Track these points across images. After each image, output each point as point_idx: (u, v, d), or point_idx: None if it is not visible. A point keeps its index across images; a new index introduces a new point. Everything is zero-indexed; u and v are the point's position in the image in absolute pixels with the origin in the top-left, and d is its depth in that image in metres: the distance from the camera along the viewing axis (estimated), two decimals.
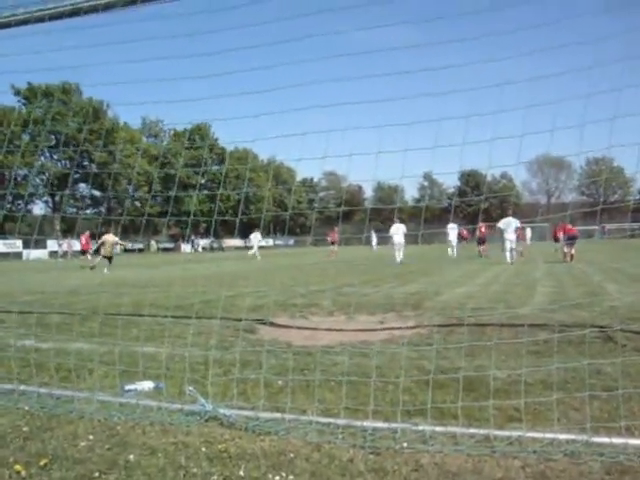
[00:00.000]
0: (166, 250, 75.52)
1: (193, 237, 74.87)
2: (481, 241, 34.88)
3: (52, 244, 61.91)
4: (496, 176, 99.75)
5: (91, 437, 4.39)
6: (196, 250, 75.32)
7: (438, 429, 4.31)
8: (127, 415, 4.83)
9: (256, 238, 44.68)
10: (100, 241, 28.59)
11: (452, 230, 36.11)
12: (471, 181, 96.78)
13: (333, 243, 43.63)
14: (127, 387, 5.62)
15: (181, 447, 4.15)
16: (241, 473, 3.70)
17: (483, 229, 34.85)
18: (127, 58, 7.29)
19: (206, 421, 4.66)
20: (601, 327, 8.32)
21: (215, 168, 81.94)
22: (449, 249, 35.54)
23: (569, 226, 28.22)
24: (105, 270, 26.40)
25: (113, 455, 4.03)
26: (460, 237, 39.59)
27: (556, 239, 37.47)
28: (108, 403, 5.18)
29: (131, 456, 3.99)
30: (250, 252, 43.80)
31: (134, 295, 13.41)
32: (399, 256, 29.81)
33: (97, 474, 3.72)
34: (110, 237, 28.34)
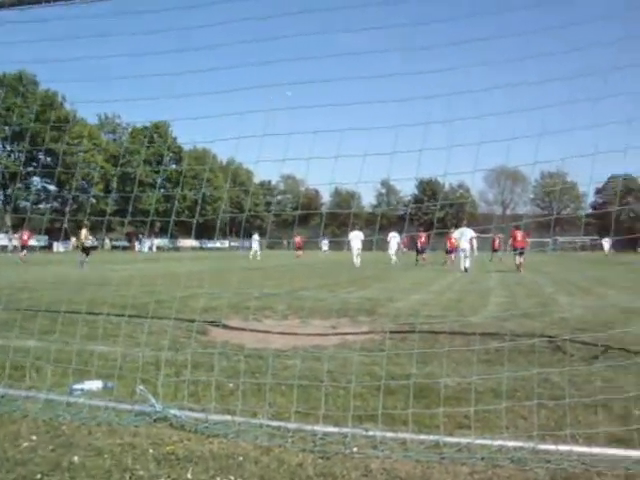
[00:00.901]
0: (121, 248, 74.55)
1: (141, 236, 73.93)
2: (421, 250, 35.66)
3: (2, 238, 60.72)
4: (454, 186, 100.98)
5: (34, 437, 4.27)
6: (150, 249, 74.55)
7: (388, 435, 4.32)
8: (73, 415, 4.73)
9: (255, 240, 49.06)
10: (83, 235, 29.71)
11: (393, 238, 36.79)
12: (428, 190, 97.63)
13: (299, 248, 48.36)
14: (75, 386, 5.49)
15: (128, 448, 4.08)
16: (189, 476, 3.65)
17: (423, 238, 35.71)
18: (87, 54, 7.18)
19: (155, 421, 4.59)
20: (550, 337, 8.45)
21: (173, 167, 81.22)
22: (391, 257, 35.98)
23: (519, 237, 28.62)
24: (81, 264, 27.53)
25: (57, 456, 3.93)
26: (401, 245, 40.56)
27: (494, 249, 39.39)
28: (54, 403, 5.05)
29: (75, 457, 3.90)
30: (251, 254, 47.23)
31: (88, 293, 13.15)
32: (357, 261, 32.57)
33: (39, 476, 3.62)
34: (84, 231, 29.67)
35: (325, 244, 57.12)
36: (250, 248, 49.09)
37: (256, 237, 49.93)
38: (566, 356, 7.36)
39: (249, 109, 5.89)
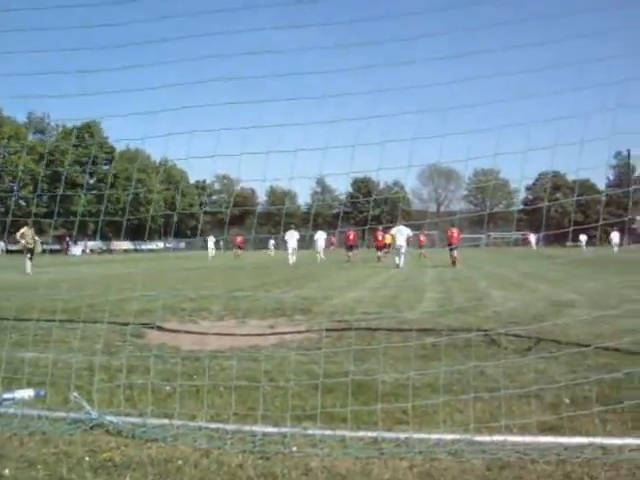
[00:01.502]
0: (52, 252, 72.40)
1: (68, 239, 71.99)
2: (350, 247, 36.50)
3: None
4: (389, 184, 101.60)
5: None
6: (84, 252, 72.90)
7: (327, 433, 4.33)
8: (4, 426, 4.57)
9: (211, 240, 53.70)
10: (19, 233, 27.74)
11: (320, 237, 37.91)
12: (363, 188, 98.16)
13: (240, 247, 49.57)
14: (4, 396, 5.30)
15: (63, 457, 3.96)
16: None
17: (352, 236, 36.77)
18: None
19: (91, 429, 4.48)
20: (485, 331, 8.62)
21: (105, 168, 79.47)
22: (317, 255, 36.56)
23: (455, 234, 29.52)
24: (28, 269, 25.92)
25: None
26: (329, 243, 41.53)
27: (420, 245, 40.71)
28: None
29: (6, 470, 3.76)
30: (212, 254, 50.55)
31: (18, 298, 12.76)
32: (292, 259, 33.56)
33: None
34: (27, 230, 27.66)
35: (272, 244, 58.25)
36: (206, 248, 52.35)
37: (212, 238, 53.96)
38: (500, 349, 7.54)
39: (181, 106, 5.78)
